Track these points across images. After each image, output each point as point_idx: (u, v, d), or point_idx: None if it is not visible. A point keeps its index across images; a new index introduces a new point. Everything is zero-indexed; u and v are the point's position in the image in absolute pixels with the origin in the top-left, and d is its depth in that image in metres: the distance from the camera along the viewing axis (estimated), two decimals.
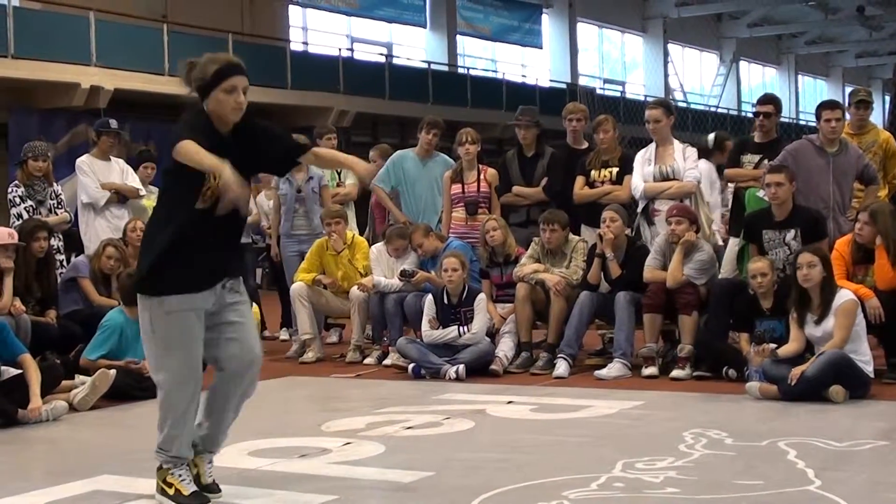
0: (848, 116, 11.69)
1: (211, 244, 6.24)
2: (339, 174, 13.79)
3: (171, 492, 6.27)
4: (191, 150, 5.97)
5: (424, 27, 39.31)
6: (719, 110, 47.19)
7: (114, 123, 13.76)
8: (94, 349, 10.29)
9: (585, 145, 12.57)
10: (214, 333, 6.35)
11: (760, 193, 11.06)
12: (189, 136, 6.05)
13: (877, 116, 40.65)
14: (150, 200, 13.81)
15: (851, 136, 11.66)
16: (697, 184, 11.62)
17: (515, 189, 12.42)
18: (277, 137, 6.63)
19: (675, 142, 11.79)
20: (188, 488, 6.29)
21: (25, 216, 12.32)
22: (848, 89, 18.46)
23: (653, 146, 11.76)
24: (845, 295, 9.39)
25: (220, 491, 6.45)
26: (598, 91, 41.14)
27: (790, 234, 10.37)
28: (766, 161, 11.46)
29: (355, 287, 12.27)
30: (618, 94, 44.06)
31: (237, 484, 6.78)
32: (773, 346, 9.47)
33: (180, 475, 6.30)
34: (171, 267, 6.18)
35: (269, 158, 6.60)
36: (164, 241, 6.19)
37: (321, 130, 14.39)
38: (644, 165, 11.66)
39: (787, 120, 43.63)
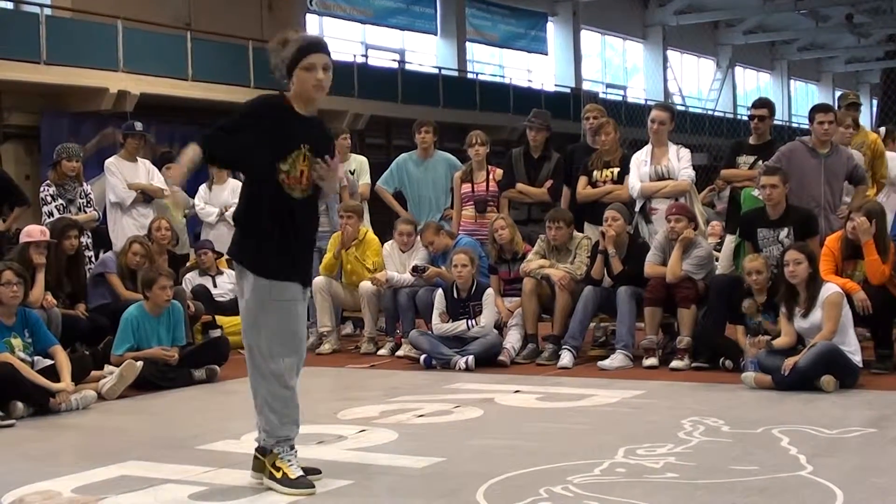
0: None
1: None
2: (353, 174, 13.78)
3: (279, 475, 6.22)
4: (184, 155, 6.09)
5: (435, 34, 39.25)
6: (716, 113, 47.06)
7: (139, 126, 13.77)
8: (120, 345, 10.34)
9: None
10: None
11: (755, 193, 11.05)
12: (211, 140, 6.16)
13: (864, 120, 40.68)
14: (171, 200, 13.82)
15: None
16: (691, 182, 11.62)
17: (520, 186, 12.41)
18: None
19: (671, 143, 11.80)
20: (295, 472, 6.24)
21: (56, 214, 12.36)
22: (838, 93, 18.39)
23: (648, 148, 11.77)
24: (831, 288, 9.39)
25: (320, 472, 6.48)
26: (601, 95, 41.07)
27: (783, 232, 10.37)
28: (760, 162, 11.44)
29: (365, 282, 12.27)
30: (619, 98, 43.98)
31: None
32: (767, 337, 9.49)
33: (289, 460, 6.26)
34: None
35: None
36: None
37: (336, 131, 14.32)
38: (640, 166, 11.67)
39: (780, 123, 43.53)
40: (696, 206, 11.55)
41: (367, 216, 13.70)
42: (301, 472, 6.23)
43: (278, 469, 6.22)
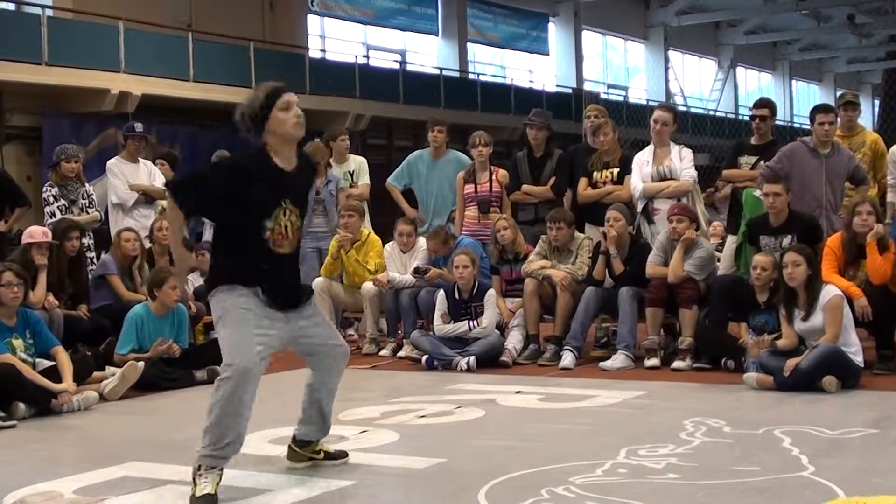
0: (838, 120, 11.64)
1: None
2: (351, 175, 13.79)
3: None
4: (174, 229, 6.35)
5: (437, 35, 39.26)
6: (717, 114, 47.09)
7: (139, 127, 13.79)
8: (124, 344, 10.39)
9: None
10: None
11: (757, 193, 11.06)
12: (189, 203, 6.35)
13: (866, 120, 40.72)
14: (169, 200, 13.84)
15: (842, 138, 11.66)
16: (693, 182, 11.63)
17: (525, 188, 12.42)
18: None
19: (673, 144, 11.79)
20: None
21: (59, 215, 12.36)
22: (839, 93, 18.43)
23: (650, 148, 11.76)
24: (831, 291, 9.37)
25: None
26: (602, 96, 41.07)
27: (786, 239, 10.35)
28: (762, 162, 11.45)
29: (367, 283, 12.27)
30: (621, 99, 44.01)
31: (258, 470, 6.81)
32: (770, 337, 9.49)
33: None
34: None
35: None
36: None
37: (334, 133, 14.31)
38: (643, 167, 11.66)
39: (781, 123, 43.54)
40: (698, 206, 11.55)
41: (367, 216, 13.72)
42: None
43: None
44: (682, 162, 11.61)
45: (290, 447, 6.91)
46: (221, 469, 6.19)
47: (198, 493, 6.04)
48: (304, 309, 6.53)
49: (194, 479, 6.11)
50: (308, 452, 6.89)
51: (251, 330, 6.19)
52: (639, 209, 11.76)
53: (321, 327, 6.66)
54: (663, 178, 11.57)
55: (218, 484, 6.11)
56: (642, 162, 11.69)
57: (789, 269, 9.40)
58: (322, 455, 6.90)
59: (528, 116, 12.75)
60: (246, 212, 6.23)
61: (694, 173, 11.62)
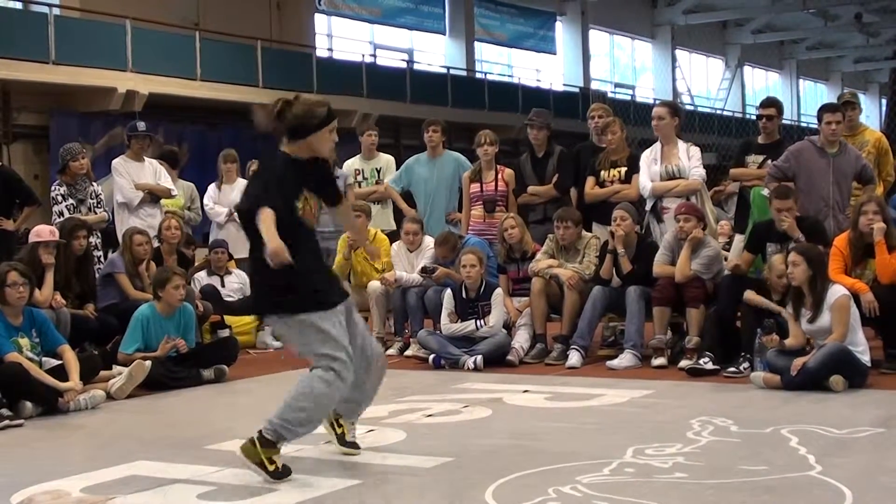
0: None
1: None
2: (378, 172, 13.82)
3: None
4: (267, 222, 6.32)
5: (444, 34, 39.28)
6: (725, 113, 47.10)
7: (142, 126, 13.80)
8: (129, 344, 10.39)
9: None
10: None
11: (765, 192, 11.06)
12: (267, 202, 6.42)
13: (874, 119, 40.68)
14: (176, 200, 13.85)
15: (845, 137, 11.64)
16: (702, 181, 11.60)
17: (530, 189, 12.42)
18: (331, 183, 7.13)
19: (680, 142, 11.77)
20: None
21: (67, 214, 12.38)
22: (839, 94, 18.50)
23: (658, 146, 11.73)
24: (838, 291, 9.35)
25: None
26: (610, 95, 41.10)
27: (791, 246, 10.32)
28: (769, 161, 11.44)
29: (373, 281, 12.27)
30: (628, 98, 44.00)
31: None
32: (778, 338, 9.46)
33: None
34: None
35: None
36: None
37: (362, 128, 14.43)
38: (650, 165, 11.64)
39: (788, 122, 43.51)
40: (707, 204, 11.54)
41: (390, 216, 13.79)
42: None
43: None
44: (691, 160, 11.58)
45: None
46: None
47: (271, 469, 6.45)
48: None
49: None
50: (331, 418, 7.16)
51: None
52: (648, 208, 11.75)
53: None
54: (672, 177, 11.55)
55: None
56: (650, 160, 11.66)
57: (789, 269, 9.42)
58: (340, 431, 7.19)
59: (527, 117, 12.77)
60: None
61: (702, 171, 11.58)
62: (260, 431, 6.46)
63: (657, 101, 37.58)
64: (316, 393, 6.48)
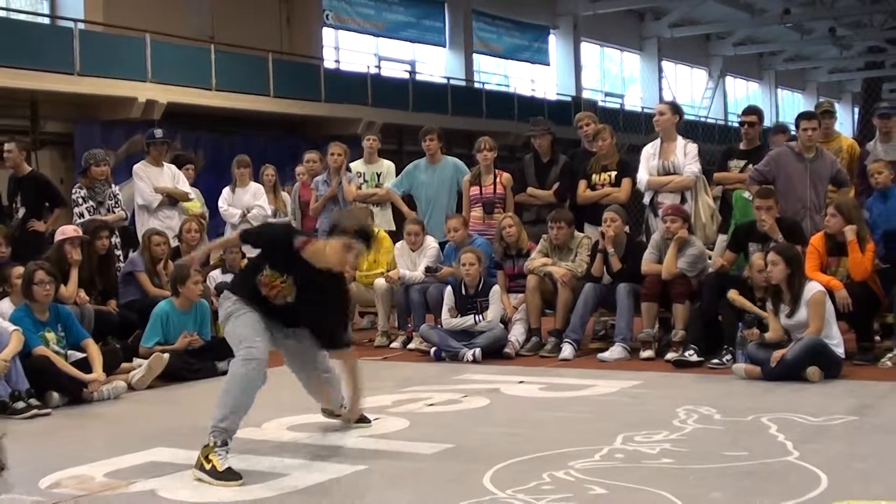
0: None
1: None
2: (378, 176, 13.82)
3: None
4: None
5: (444, 47, 39.23)
6: (708, 120, 47.04)
7: (159, 133, 13.80)
8: (149, 338, 10.39)
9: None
10: None
11: (746, 195, 11.07)
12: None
13: (847, 127, 40.67)
14: (193, 203, 13.85)
15: (821, 143, 11.63)
16: (697, 178, 11.58)
17: (530, 190, 12.42)
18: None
19: (679, 138, 11.77)
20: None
21: (87, 215, 12.37)
22: (817, 103, 18.47)
23: (658, 142, 11.74)
24: (814, 287, 9.37)
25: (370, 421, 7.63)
26: (600, 103, 41.00)
27: (772, 245, 10.31)
28: (750, 165, 11.44)
29: (380, 279, 12.28)
30: (617, 106, 43.95)
31: (277, 455, 6.81)
32: (758, 332, 9.46)
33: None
34: None
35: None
36: None
37: (363, 134, 14.44)
38: (649, 160, 11.68)
39: (768, 128, 43.45)
40: (704, 199, 11.54)
41: (390, 217, 13.78)
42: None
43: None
44: (687, 157, 11.58)
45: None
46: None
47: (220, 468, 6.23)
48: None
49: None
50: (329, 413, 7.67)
51: None
52: (645, 201, 11.77)
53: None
54: (668, 173, 11.56)
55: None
56: (649, 155, 11.70)
57: (769, 268, 9.44)
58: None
59: (529, 126, 12.79)
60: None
61: (697, 168, 11.57)
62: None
63: (645, 109, 37.79)
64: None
